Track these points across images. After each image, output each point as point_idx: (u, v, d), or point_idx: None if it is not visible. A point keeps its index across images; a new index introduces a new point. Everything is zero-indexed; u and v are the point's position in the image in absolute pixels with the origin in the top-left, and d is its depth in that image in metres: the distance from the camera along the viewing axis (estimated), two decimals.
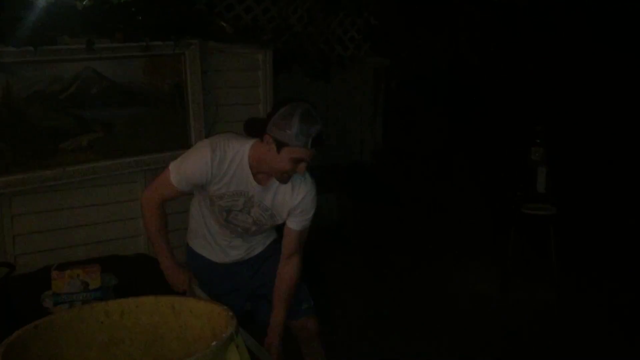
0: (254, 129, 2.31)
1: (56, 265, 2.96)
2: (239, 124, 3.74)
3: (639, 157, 5.59)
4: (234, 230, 2.50)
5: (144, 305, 1.99)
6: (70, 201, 3.31)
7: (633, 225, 5.03)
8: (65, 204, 3.30)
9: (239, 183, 2.32)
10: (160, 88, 3.50)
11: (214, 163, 2.26)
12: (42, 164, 3.16)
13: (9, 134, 3.07)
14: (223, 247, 2.55)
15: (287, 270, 2.45)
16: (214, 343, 1.66)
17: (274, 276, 2.50)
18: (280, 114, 2.18)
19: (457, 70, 6.31)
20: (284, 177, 2.27)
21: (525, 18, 6.24)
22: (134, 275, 3.28)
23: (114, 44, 3.28)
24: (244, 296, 2.64)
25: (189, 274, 2.51)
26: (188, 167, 2.32)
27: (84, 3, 3.22)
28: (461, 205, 5.62)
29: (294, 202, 2.36)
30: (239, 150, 2.28)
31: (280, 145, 2.17)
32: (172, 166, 2.36)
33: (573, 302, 4.14)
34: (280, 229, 2.58)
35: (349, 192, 5.53)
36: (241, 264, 2.59)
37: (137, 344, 1.99)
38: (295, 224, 2.41)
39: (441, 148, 6.17)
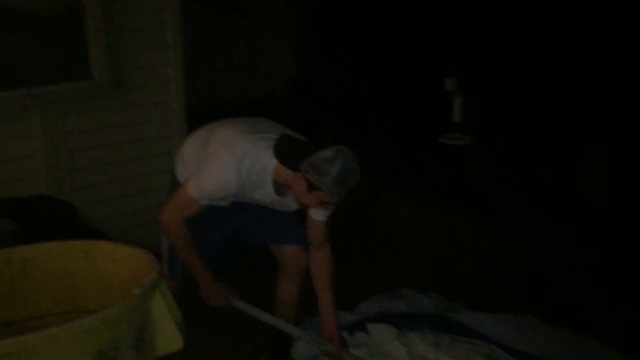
0: (286, 158, 2.06)
1: None
2: (147, 53, 3.47)
3: (550, 82, 5.73)
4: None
5: (51, 251, 1.80)
6: None
7: (545, 151, 5.19)
8: None
9: (258, 192, 2.15)
10: (53, 10, 3.13)
11: (239, 181, 2.06)
12: None
13: None
14: None
15: (322, 258, 2.31)
16: (136, 290, 1.51)
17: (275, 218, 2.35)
18: (320, 157, 1.97)
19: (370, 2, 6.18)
20: (305, 208, 2.17)
21: None
22: (36, 219, 3.02)
23: None
24: (233, 227, 2.41)
25: (227, 287, 2.31)
26: (211, 188, 2.09)
27: None
28: (378, 136, 5.60)
29: None
30: (266, 167, 2.07)
31: (312, 187, 2.00)
32: (192, 186, 2.10)
33: (489, 228, 4.27)
34: None
35: None
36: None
37: (47, 293, 1.82)
38: (321, 215, 2.25)
39: (357, 79, 6.08)
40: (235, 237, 2.46)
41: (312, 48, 6.08)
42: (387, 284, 3.21)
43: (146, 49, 3.48)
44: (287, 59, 6.03)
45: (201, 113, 3.15)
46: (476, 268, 3.63)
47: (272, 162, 2.06)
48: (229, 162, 2.03)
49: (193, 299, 2.26)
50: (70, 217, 3.26)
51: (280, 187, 2.13)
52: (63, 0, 3.16)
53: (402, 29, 6.29)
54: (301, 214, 2.33)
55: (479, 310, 2.89)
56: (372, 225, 4.32)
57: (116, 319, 1.44)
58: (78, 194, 3.37)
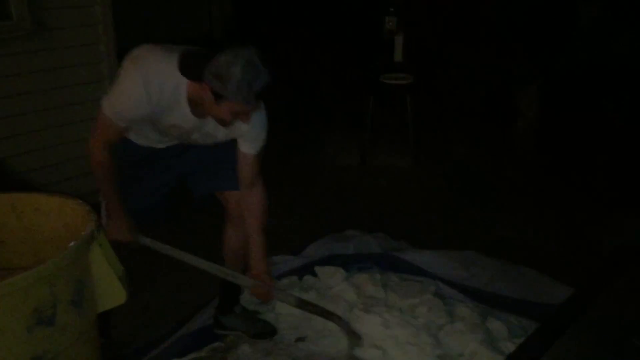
0: (189, 70, 1.90)
1: None
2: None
3: (489, 22, 5.72)
4: (170, 141, 2.17)
5: None
6: None
7: (485, 91, 5.23)
8: None
9: (176, 115, 1.99)
10: None
11: (151, 101, 1.92)
12: None
13: None
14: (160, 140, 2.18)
15: (254, 198, 2.19)
16: (72, 243, 1.41)
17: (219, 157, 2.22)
18: (219, 61, 1.82)
19: None
20: (222, 123, 1.97)
21: None
22: None
23: None
24: (173, 174, 2.28)
25: (133, 224, 2.16)
26: (123, 106, 1.96)
27: None
28: (322, 79, 5.50)
29: (244, 127, 2.06)
30: (177, 85, 1.93)
31: (218, 97, 1.85)
32: (105, 104, 1.96)
33: (429, 168, 4.31)
34: None
35: None
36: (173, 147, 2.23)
37: None
38: (250, 147, 2.12)
39: (295, 20, 5.91)
40: (175, 185, 2.36)
41: None
42: (333, 227, 3.20)
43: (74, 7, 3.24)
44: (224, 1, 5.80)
45: None
46: (418, 207, 3.67)
47: (184, 80, 1.94)
48: (136, 80, 1.90)
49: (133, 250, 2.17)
50: None
51: (197, 108, 1.99)
52: None
53: None
54: None
55: (423, 248, 2.94)
56: (314, 168, 4.29)
57: (52, 274, 1.34)
58: (3, 145, 3.17)
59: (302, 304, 2.27)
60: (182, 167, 2.28)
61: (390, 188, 4.03)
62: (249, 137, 2.11)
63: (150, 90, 1.89)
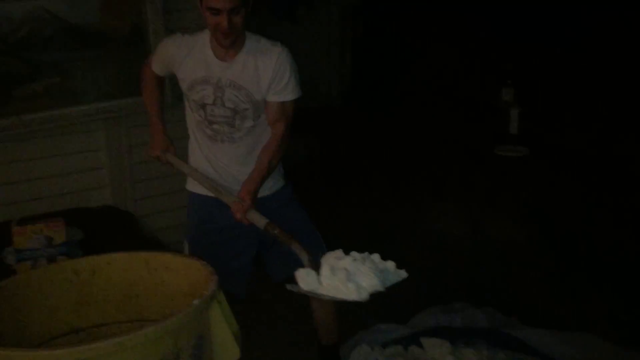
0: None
1: (17, 220, 2.82)
2: None
3: (612, 95, 5.57)
4: (221, 135, 2.33)
5: (116, 262, 1.88)
6: (28, 152, 3.13)
7: (604, 164, 5.05)
8: (23, 155, 3.12)
9: (203, 66, 2.25)
10: (119, 29, 3.27)
11: (178, 40, 2.32)
12: None
13: None
14: (216, 177, 2.37)
15: (273, 134, 2.29)
16: (195, 301, 1.57)
17: (288, 226, 2.35)
18: None
19: (427, 8, 6.16)
20: (218, 37, 2.16)
21: None
22: (101, 228, 3.15)
23: None
24: (253, 241, 2.45)
25: (169, 144, 2.45)
26: (159, 48, 2.42)
27: None
28: (433, 147, 5.57)
29: (270, 68, 2.21)
30: (202, 33, 2.27)
31: (201, 2, 2.13)
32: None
33: (544, 241, 4.18)
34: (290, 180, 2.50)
35: (318, 134, 5.42)
36: None
37: (111, 302, 1.90)
38: (273, 95, 2.25)
39: (412, 89, 6.07)
40: (255, 254, 2.50)
41: (367, 60, 6.11)
42: (441, 297, 3.19)
43: None
44: (342, 71, 6.09)
45: None
46: (532, 282, 3.56)
47: (206, 33, 2.24)
48: (169, 37, 2.42)
49: (247, 309, 2.31)
50: (132, 227, 3.38)
51: (218, 51, 2.22)
52: (128, 20, 3.29)
53: (460, 39, 6.25)
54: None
55: (536, 326, 2.85)
56: (424, 236, 4.29)
57: (178, 328, 1.50)
58: (140, 205, 3.51)
59: (270, 227, 2.13)
60: (258, 236, 2.40)
61: (502, 260, 3.94)
62: (276, 83, 2.22)
63: (179, 34, 2.35)
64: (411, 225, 4.46)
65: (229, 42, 2.16)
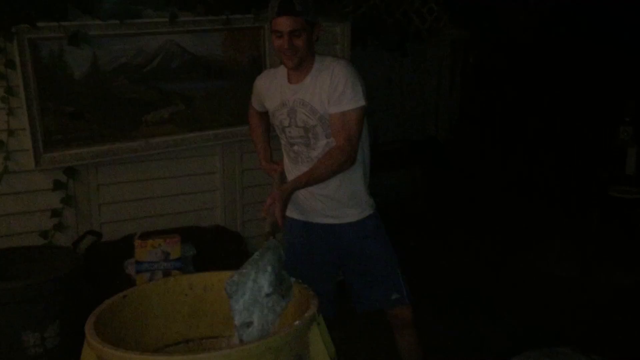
0: None
1: (139, 234, 3.07)
2: None
3: None
4: (300, 156, 2.42)
5: (225, 280, 2.01)
6: (152, 172, 3.40)
7: None
8: (147, 175, 3.39)
9: (280, 93, 2.41)
10: (239, 61, 3.51)
11: (264, 75, 2.56)
12: (126, 136, 3.26)
13: (96, 106, 3.17)
14: (297, 197, 2.44)
15: (332, 148, 2.30)
16: (296, 322, 1.66)
17: (366, 259, 2.46)
18: None
19: (542, 42, 6.01)
20: (283, 59, 2.32)
21: None
22: (212, 246, 3.36)
23: (196, 17, 3.30)
24: (334, 266, 2.55)
25: (277, 169, 2.60)
26: (254, 85, 2.61)
27: None
28: (544, 185, 5.41)
29: (327, 81, 2.29)
30: (280, 70, 2.45)
31: (270, 25, 2.29)
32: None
33: None
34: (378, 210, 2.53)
35: (424, 167, 5.43)
36: (327, 232, 2.48)
37: (218, 317, 2.04)
38: (333, 107, 2.29)
39: (523, 124, 5.93)
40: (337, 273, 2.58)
41: (475, 92, 6.05)
42: (544, 340, 3.10)
43: None
44: (450, 103, 6.07)
45: None
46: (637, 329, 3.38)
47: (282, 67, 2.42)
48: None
49: (344, 333, 2.38)
50: (240, 247, 3.57)
51: (290, 76, 2.37)
52: (248, 54, 3.51)
53: (575, 72, 6.05)
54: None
55: None
56: (529, 275, 4.17)
57: (279, 346, 1.60)
58: (247, 227, 3.70)
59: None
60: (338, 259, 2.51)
61: (612, 306, 3.75)
62: (332, 94, 2.27)
63: (264, 75, 2.56)
64: (519, 265, 4.35)
65: (292, 64, 2.29)
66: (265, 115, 2.64)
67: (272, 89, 2.45)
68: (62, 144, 3.09)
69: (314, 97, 2.32)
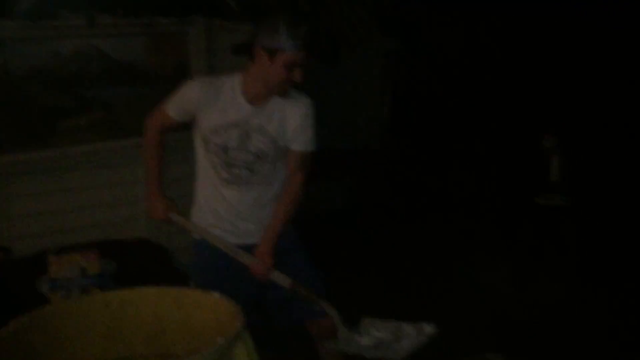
0: (242, 49, 2.34)
1: (54, 250, 2.89)
2: None
3: None
4: (238, 179, 2.34)
5: (146, 296, 1.89)
6: (69, 183, 3.23)
7: None
8: (64, 186, 3.22)
9: (232, 110, 2.26)
10: (163, 67, 3.41)
11: (205, 84, 2.28)
12: (40, 144, 3.10)
13: (6, 112, 3.00)
14: (231, 219, 2.39)
15: (289, 186, 2.35)
16: (220, 340, 1.55)
17: (293, 273, 2.36)
18: (265, 23, 2.15)
19: (467, 53, 6.17)
20: (283, 89, 2.21)
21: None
22: (135, 261, 3.19)
23: (115, 20, 3.16)
24: (254, 287, 2.44)
25: (169, 204, 2.45)
26: (182, 92, 2.32)
27: None
28: (471, 194, 5.50)
29: (296, 118, 2.27)
30: (229, 78, 2.28)
31: (272, 53, 2.11)
32: (170, 98, 2.36)
33: (586, 298, 4.03)
34: (300, 227, 2.49)
35: (356, 177, 5.42)
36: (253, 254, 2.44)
37: (139, 335, 1.90)
38: (297, 144, 2.31)
39: (450, 134, 6.05)
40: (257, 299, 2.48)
41: (406, 103, 6.14)
42: (474, 349, 3.10)
43: None
44: (381, 113, 6.12)
45: None
46: (573, 339, 3.43)
47: (236, 75, 2.24)
48: (194, 82, 2.32)
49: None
50: (165, 261, 3.42)
51: (251, 94, 2.22)
52: (173, 57, 3.41)
53: (502, 84, 6.24)
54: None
55: None
56: (459, 287, 4.19)
57: None
58: (173, 239, 3.55)
59: (295, 286, 2.27)
60: (263, 300, 2.43)
61: (541, 318, 3.78)
62: (299, 132, 2.27)
63: (206, 79, 2.33)
64: (448, 277, 4.37)
65: (285, 93, 2.24)
66: (172, 128, 2.42)
67: (220, 103, 2.26)
68: None
69: (277, 127, 2.28)
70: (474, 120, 6.26)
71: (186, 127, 2.37)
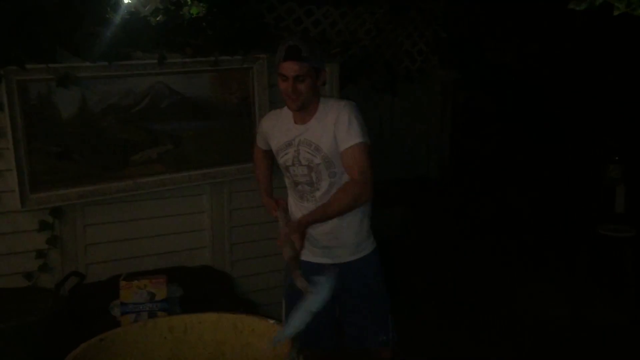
0: None
1: (124, 275, 3.04)
2: None
3: None
4: (304, 194, 2.47)
5: (207, 322, 2.00)
6: (139, 212, 3.38)
7: None
8: (134, 215, 3.37)
9: (286, 133, 2.47)
10: (228, 102, 3.54)
11: (270, 115, 2.64)
12: (114, 176, 3.25)
13: (83, 147, 3.17)
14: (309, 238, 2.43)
15: (346, 183, 2.37)
16: None
17: (365, 295, 2.46)
18: None
19: (528, 82, 6.11)
20: (287, 101, 2.38)
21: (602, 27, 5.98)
22: (199, 287, 3.32)
23: (184, 58, 3.34)
24: (336, 308, 2.55)
25: (273, 205, 2.65)
26: (259, 125, 2.75)
27: (158, 19, 3.31)
28: (533, 224, 5.41)
29: (333, 120, 2.36)
30: (284, 110, 2.50)
31: (276, 70, 2.36)
32: None
33: None
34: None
35: (415, 206, 5.43)
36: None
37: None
38: (343, 143, 2.35)
39: (512, 163, 5.97)
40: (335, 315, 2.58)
41: (465, 132, 6.11)
42: None
43: None
44: (441, 143, 6.12)
45: None
46: None
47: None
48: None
49: None
50: (228, 287, 3.54)
51: (298, 118, 2.43)
52: (237, 94, 3.55)
53: (564, 113, 6.13)
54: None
55: None
56: (516, 318, 4.12)
57: None
58: (236, 266, 3.67)
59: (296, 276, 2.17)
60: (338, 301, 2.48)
61: (604, 347, 3.71)
62: (339, 131, 2.34)
63: (270, 115, 2.65)
64: (507, 305, 4.31)
65: (295, 106, 2.38)
66: (268, 154, 2.71)
67: (277, 128, 2.52)
68: (49, 184, 3.08)
69: (321, 137, 2.40)
70: (537, 149, 6.16)
71: None
